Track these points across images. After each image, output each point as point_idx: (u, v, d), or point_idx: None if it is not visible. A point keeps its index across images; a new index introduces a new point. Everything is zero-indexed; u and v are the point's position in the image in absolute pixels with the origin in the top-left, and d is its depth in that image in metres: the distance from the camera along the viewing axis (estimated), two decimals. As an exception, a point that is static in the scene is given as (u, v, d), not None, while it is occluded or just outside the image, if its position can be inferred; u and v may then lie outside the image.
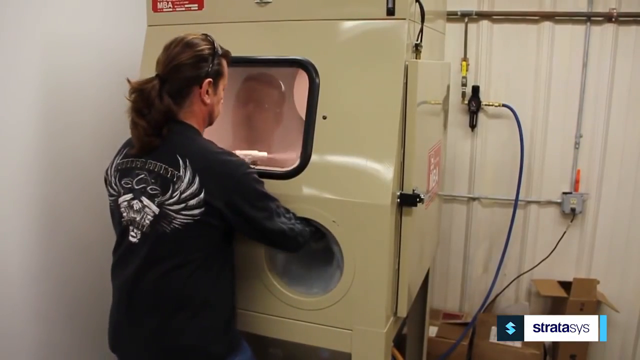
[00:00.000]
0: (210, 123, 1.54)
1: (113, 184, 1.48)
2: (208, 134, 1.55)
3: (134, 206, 1.42)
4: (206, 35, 1.48)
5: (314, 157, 1.60)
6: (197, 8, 1.81)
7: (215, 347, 1.48)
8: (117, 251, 1.51)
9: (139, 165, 1.43)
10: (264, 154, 1.86)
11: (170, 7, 1.84)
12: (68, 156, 2.11)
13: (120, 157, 1.50)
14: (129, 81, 1.41)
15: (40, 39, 1.95)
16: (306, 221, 1.59)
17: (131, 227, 1.43)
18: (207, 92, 1.45)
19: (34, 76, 1.94)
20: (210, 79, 1.45)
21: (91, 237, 2.18)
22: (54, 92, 2.02)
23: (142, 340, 1.45)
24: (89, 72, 2.17)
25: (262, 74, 1.99)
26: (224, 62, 1.50)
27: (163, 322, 1.43)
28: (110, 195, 1.50)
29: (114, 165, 1.50)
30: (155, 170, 1.41)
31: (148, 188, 1.41)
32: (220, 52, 1.48)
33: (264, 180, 1.52)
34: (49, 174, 2.03)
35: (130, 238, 1.43)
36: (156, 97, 1.38)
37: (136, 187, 1.42)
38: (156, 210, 1.39)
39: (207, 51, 1.44)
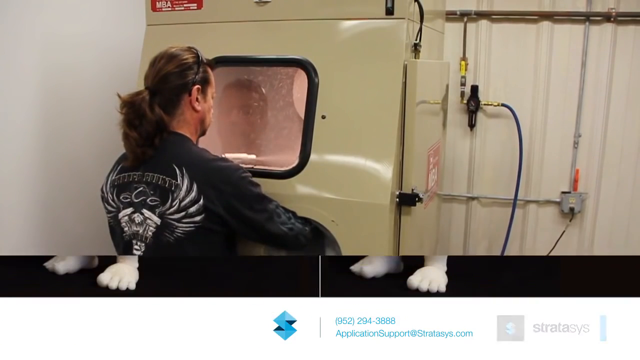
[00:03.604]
0: (203, 132, 1.56)
1: (110, 200, 1.48)
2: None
3: (136, 219, 1.42)
4: (190, 47, 1.50)
5: (313, 157, 1.60)
6: (196, 7, 1.80)
7: None
8: None
9: (136, 179, 1.43)
10: (253, 156, 1.86)
11: (169, 7, 1.84)
12: (67, 156, 2.11)
13: (115, 174, 1.49)
14: (119, 96, 1.42)
15: (39, 39, 1.95)
16: (306, 220, 1.59)
17: (134, 241, 1.43)
18: (197, 99, 1.47)
19: (33, 75, 1.94)
20: (198, 86, 1.47)
21: (90, 235, 2.17)
22: (52, 91, 2.02)
23: None
24: (88, 71, 2.17)
25: (246, 79, 2.00)
26: (210, 70, 1.53)
27: None
28: (109, 212, 1.49)
29: (109, 182, 1.50)
30: (153, 181, 1.41)
31: (148, 200, 1.41)
32: (204, 60, 1.51)
33: (263, 180, 1.52)
34: (47, 173, 2.02)
35: (134, 252, 1.43)
36: (147, 108, 1.39)
37: (135, 201, 1.42)
38: (158, 221, 1.40)
39: (191, 60, 1.47)
